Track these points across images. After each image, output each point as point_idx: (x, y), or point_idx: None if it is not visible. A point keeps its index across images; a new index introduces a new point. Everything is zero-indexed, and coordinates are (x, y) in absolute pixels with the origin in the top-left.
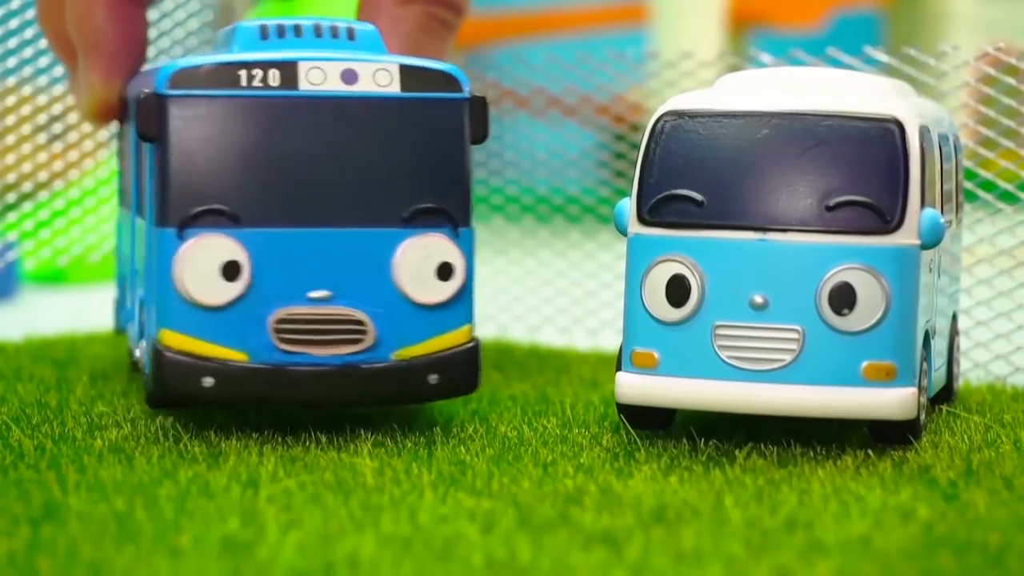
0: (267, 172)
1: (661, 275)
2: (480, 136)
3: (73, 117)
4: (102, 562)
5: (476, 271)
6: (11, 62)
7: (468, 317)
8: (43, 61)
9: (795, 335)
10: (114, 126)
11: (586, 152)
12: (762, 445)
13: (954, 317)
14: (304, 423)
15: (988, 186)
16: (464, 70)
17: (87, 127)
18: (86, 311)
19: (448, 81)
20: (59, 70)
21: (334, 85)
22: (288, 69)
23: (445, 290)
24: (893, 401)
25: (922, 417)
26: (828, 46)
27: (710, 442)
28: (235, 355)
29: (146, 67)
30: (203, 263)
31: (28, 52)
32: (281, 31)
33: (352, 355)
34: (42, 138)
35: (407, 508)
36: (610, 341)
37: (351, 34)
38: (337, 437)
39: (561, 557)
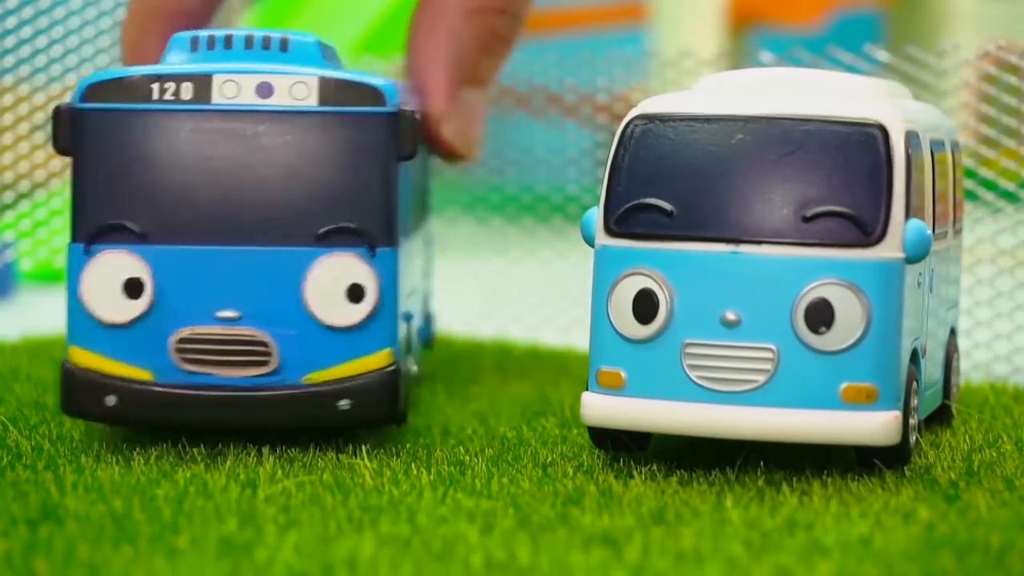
0: (176, 188)
1: (628, 290)
2: (408, 153)
3: None
4: (100, 563)
5: (399, 292)
6: (8, 60)
7: (388, 341)
8: (40, 60)
9: (769, 354)
10: None
11: (585, 151)
12: (762, 445)
13: (952, 332)
14: None
15: (989, 185)
16: None
17: None
18: None
19: (373, 95)
20: (56, 69)
21: (248, 98)
22: (201, 82)
23: (356, 313)
24: (875, 425)
25: (911, 441)
26: (829, 45)
27: (710, 442)
28: (140, 374)
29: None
30: (106, 280)
31: (25, 51)
32: (211, 42)
33: (258, 377)
34: (39, 137)
35: (406, 509)
36: None
37: (284, 45)
38: (335, 438)
39: (561, 558)
